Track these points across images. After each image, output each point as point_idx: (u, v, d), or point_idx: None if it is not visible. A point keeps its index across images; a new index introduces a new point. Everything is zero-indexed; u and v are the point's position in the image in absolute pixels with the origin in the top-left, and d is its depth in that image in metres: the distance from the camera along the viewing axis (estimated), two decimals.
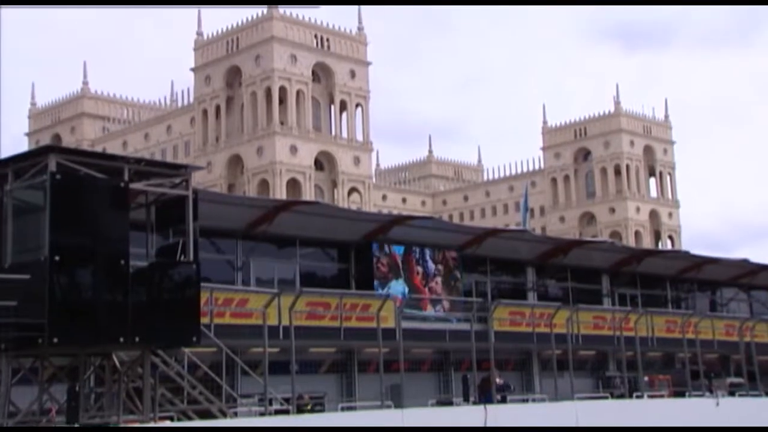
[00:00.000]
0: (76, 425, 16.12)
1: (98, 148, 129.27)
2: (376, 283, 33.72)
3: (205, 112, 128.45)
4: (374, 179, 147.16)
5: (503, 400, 27.31)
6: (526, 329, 34.14)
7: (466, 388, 29.37)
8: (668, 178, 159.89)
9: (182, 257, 17.46)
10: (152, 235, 18.69)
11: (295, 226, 32.18)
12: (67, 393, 16.99)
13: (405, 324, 27.36)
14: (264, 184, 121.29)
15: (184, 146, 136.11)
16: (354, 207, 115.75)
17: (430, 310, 35.65)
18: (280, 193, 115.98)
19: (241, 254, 31.77)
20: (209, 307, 24.62)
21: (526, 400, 30.17)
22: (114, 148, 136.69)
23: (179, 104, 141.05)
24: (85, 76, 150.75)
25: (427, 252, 35.91)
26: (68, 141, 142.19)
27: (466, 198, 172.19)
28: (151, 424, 16.93)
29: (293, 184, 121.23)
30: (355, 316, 29.47)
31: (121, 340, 16.20)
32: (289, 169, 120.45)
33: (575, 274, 42.83)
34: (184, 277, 17.50)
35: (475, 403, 26.28)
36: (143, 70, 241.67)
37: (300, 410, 22.89)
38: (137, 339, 16.36)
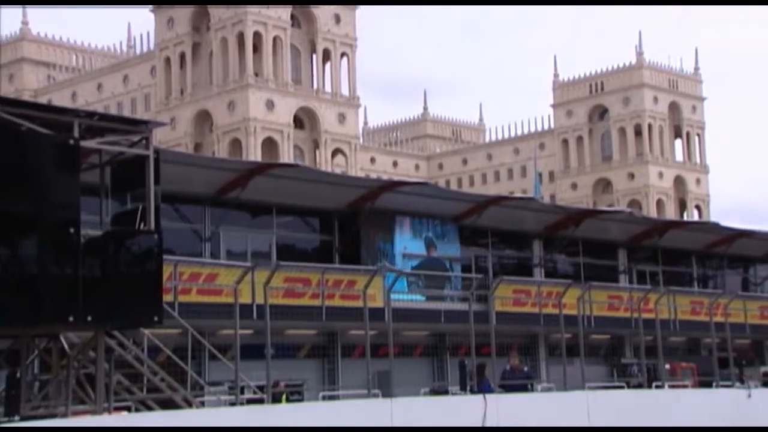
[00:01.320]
0: (17, 417, 16.07)
1: (42, 100, 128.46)
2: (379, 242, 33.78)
3: (167, 60, 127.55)
4: (361, 139, 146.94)
5: (524, 389, 27.33)
6: (532, 310, 34.24)
7: (464, 375, 29.49)
8: (696, 139, 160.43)
9: (142, 226, 17.35)
10: (107, 200, 18.56)
11: (271, 191, 32.14)
12: (7, 380, 16.86)
13: (395, 303, 27.38)
14: (236, 144, 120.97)
15: (144, 99, 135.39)
16: (338, 171, 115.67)
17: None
18: (254, 154, 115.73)
19: (210, 223, 31.77)
20: (173, 282, 24.59)
21: (531, 389, 30.32)
22: (61, 99, 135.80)
23: (137, 51, 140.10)
24: (24, 15, 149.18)
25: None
26: (6, 90, 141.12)
27: (465, 161, 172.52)
28: (105, 416, 16.91)
29: (269, 144, 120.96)
30: (338, 294, 29.55)
31: (71, 319, 16.09)
32: (264, 127, 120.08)
33: (588, 248, 42.96)
34: (144, 249, 17.40)
35: (473, 391, 26.38)
36: (95, 9, 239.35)
37: (276, 399, 22.98)
38: (89, 318, 16.26)
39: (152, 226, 17.34)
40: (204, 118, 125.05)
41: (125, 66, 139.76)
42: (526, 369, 29.44)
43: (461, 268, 37.63)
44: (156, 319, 17.22)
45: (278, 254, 32.57)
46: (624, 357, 41.57)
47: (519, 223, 40.12)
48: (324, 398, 27.61)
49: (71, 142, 16.51)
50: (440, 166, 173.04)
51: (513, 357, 28.31)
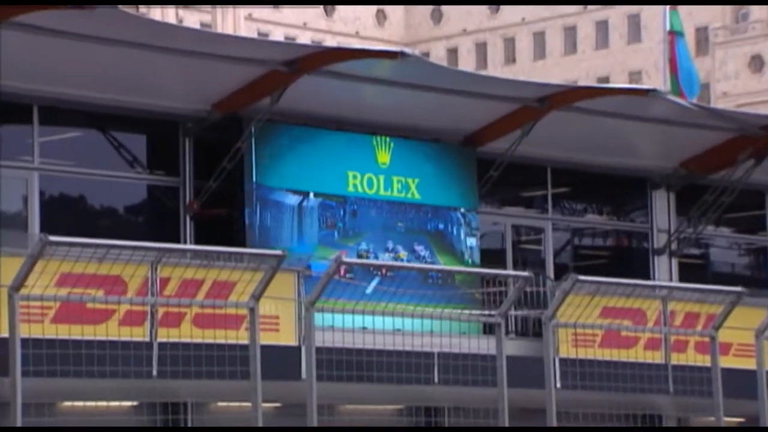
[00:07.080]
0: None
1: None
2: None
3: None
4: None
5: None
6: (649, 357, 34.45)
7: None
8: None
9: None
10: None
11: (36, 70, 32.48)
12: None
13: (327, 335, 27.32)
14: None
15: None
16: (199, 24, 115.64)
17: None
18: None
19: None
20: None
21: None
22: None
23: None
24: None
25: None
26: None
27: (495, 9, 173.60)
28: None
29: None
30: (192, 314, 29.51)
31: None
32: None
33: None
34: None
35: None
36: None
37: None
38: None
39: None
40: None
41: None
42: None
43: (480, 255, 38.10)
44: None
45: (45, 216, 32.86)
46: None
47: (618, 152, 40.79)
48: None
49: None
50: (436, 18, 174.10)
51: None
